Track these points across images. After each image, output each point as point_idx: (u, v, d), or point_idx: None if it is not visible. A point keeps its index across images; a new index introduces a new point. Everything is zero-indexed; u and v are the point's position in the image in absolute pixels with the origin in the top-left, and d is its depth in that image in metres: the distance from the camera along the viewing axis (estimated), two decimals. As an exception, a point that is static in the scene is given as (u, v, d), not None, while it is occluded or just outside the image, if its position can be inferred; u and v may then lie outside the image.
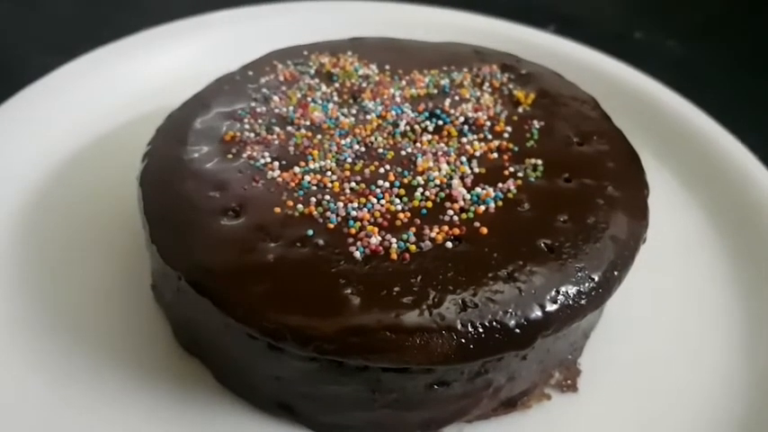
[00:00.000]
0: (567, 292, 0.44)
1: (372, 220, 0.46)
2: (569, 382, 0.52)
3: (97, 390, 0.49)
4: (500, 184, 0.49)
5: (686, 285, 0.60)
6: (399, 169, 0.50)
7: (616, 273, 0.46)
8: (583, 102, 0.59)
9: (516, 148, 0.53)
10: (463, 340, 0.41)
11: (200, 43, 0.79)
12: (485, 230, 0.45)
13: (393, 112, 0.55)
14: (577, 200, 0.49)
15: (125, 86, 0.72)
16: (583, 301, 0.44)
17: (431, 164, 0.50)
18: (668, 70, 0.84)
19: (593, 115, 0.58)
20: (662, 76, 0.79)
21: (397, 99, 0.57)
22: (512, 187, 0.49)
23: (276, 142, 0.52)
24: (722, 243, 0.63)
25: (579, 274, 0.44)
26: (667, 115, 0.74)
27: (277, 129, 0.53)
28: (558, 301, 0.43)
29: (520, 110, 0.57)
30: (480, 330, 0.41)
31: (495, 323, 0.41)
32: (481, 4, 0.87)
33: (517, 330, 0.42)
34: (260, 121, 0.54)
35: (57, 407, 0.48)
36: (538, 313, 0.42)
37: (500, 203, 0.48)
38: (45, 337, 0.51)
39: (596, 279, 0.45)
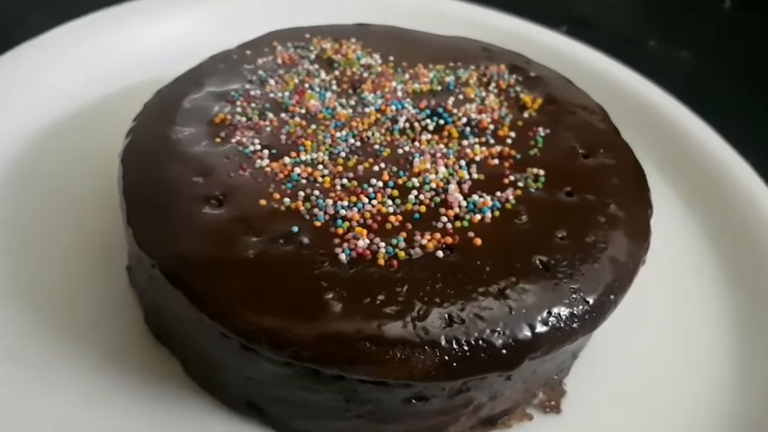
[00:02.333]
0: (559, 314, 0.41)
1: (362, 220, 0.43)
2: (553, 402, 0.50)
3: (58, 369, 0.47)
4: (498, 193, 0.47)
5: (680, 308, 0.58)
6: (395, 168, 0.48)
7: (612, 296, 0.44)
8: (591, 111, 0.57)
9: (518, 156, 0.50)
10: (446, 357, 0.39)
11: (202, 15, 0.76)
12: (479, 241, 0.43)
13: (393, 107, 0.53)
14: (578, 216, 0.47)
15: (118, 54, 0.69)
16: (575, 325, 0.42)
17: (428, 165, 0.48)
18: (679, 81, 0.82)
19: (601, 127, 0.55)
20: (673, 86, 0.77)
21: (399, 93, 0.55)
22: (510, 197, 0.47)
23: (268, 129, 0.50)
24: (721, 268, 0.61)
25: (574, 295, 0.42)
26: (674, 130, 0.72)
27: (270, 115, 0.51)
28: (550, 323, 0.41)
29: (525, 115, 0.55)
30: (465, 348, 0.39)
31: (481, 342, 0.39)
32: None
33: (504, 351, 0.40)
34: (253, 104, 0.52)
35: (15, 382, 0.46)
36: (527, 334, 0.40)
37: (497, 213, 0.45)
38: (8, 306, 0.50)
39: (591, 302, 0.43)
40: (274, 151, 0.48)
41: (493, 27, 0.78)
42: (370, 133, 0.50)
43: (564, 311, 0.42)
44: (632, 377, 0.52)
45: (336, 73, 0.56)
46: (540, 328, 0.41)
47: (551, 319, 0.41)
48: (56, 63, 0.66)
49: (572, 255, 0.44)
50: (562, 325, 0.41)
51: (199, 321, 0.41)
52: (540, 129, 0.53)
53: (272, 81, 0.54)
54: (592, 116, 0.56)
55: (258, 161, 0.47)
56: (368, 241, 0.42)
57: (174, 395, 0.47)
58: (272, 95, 0.53)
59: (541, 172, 0.49)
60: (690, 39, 1.01)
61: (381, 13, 0.70)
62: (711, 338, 0.56)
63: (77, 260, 0.53)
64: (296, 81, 0.55)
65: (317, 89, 0.54)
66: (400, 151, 0.49)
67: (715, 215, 0.65)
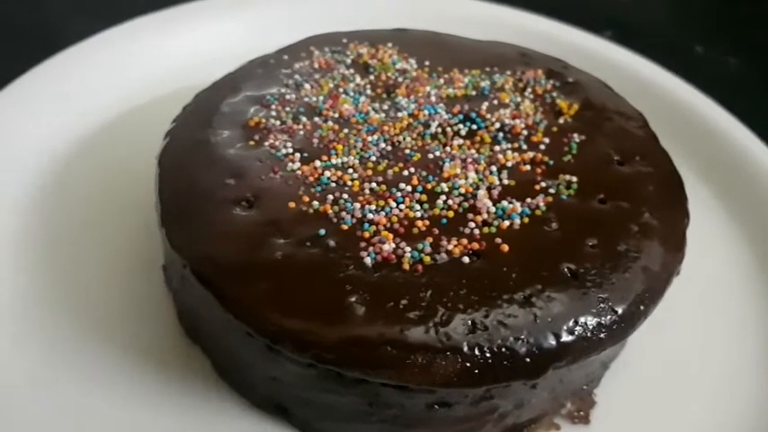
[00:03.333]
0: (585, 324, 0.41)
1: (388, 225, 0.44)
2: (582, 413, 0.49)
3: (92, 365, 0.48)
4: (529, 200, 0.46)
5: (717, 320, 0.56)
6: (424, 173, 0.48)
7: (642, 307, 0.43)
8: (629, 118, 0.56)
9: (551, 162, 0.50)
10: (468, 364, 0.38)
11: (243, 21, 0.77)
12: (506, 248, 0.43)
13: (425, 112, 0.53)
14: (610, 224, 0.46)
15: (161, 59, 0.71)
16: (602, 335, 0.41)
17: (458, 170, 0.48)
18: (726, 88, 0.80)
19: (638, 133, 0.54)
20: (719, 93, 0.75)
21: (432, 98, 0.55)
22: (541, 204, 0.46)
23: (301, 132, 0.50)
24: (761, 279, 0.59)
25: (602, 305, 0.42)
26: (719, 138, 0.70)
27: (304, 118, 0.52)
28: (575, 332, 0.40)
29: (561, 121, 0.54)
30: (488, 355, 0.39)
31: (504, 349, 0.39)
32: (536, 3, 0.84)
33: (527, 359, 0.39)
34: (288, 108, 0.52)
35: (54, 377, 0.47)
36: (552, 343, 0.40)
37: (526, 220, 0.45)
38: (48, 303, 0.51)
39: (620, 312, 0.42)
40: (306, 154, 0.48)
41: (534, 32, 0.77)
42: (401, 137, 0.50)
43: (591, 321, 0.41)
44: (665, 389, 0.51)
45: (371, 77, 0.57)
46: (566, 338, 0.40)
47: (577, 328, 0.41)
48: (96, 68, 0.68)
49: (602, 263, 0.43)
50: (589, 334, 0.41)
51: (227, 321, 0.42)
52: (576, 135, 0.52)
53: (307, 85, 0.55)
54: (629, 122, 0.55)
55: (289, 164, 0.47)
56: (393, 245, 0.42)
57: (204, 393, 0.48)
58: (306, 99, 0.53)
59: (574, 179, 0.48)
60: (737, 44, 0.99)
61: (420, 18, 0.70)
62: (748, 350, 0.54)
63: (116, 260, 0.55)
64: (331, 85, 0.55)
65: (351, 93, 0.54)
66: (431, 156, 0.49)
67: (757, 225, 0.62)
